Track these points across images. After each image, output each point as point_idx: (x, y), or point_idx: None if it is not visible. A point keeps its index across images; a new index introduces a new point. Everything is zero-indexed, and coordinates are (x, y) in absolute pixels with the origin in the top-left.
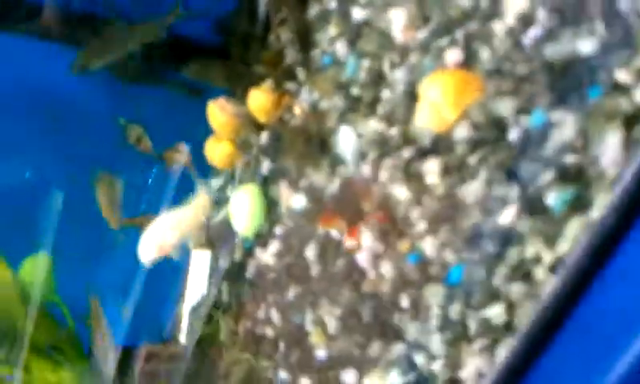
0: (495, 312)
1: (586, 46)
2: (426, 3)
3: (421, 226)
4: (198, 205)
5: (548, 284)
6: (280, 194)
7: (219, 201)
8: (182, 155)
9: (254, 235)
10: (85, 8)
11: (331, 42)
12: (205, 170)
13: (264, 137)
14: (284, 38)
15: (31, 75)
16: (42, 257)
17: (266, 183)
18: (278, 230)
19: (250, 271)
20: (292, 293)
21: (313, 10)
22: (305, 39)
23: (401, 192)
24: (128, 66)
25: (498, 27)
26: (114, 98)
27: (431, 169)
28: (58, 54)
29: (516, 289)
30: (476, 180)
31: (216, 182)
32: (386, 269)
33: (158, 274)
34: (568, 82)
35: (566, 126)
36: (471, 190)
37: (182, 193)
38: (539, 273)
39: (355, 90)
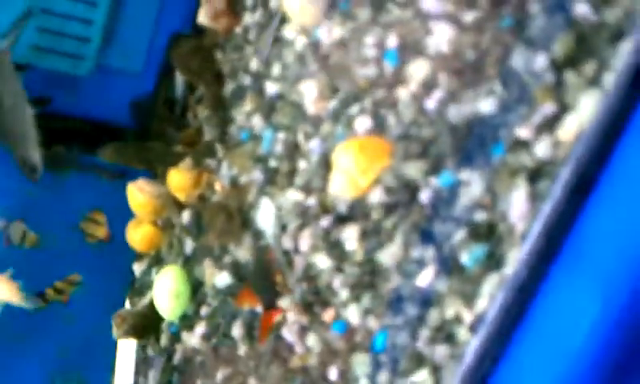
0: (421, 377)
1: (486, 105)
2: (335, 74)
3: (344, 294)
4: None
5: (470, 344)
6: (204, 273)
7: (144, 285)
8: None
9: (179, 318)
10: None
11: (247, 117)
12: (128, 254)
13: (185, 216)
14: (201, 116)
15: None
16: None
17: (190, 263)
18: (204, 310)
19: (177, 357)
20: (220, 375)
21: (228, 87)
22: (222, 116)
23: (322, 261)
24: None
25: (403, 93)
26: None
27: (349, 235)
28: None
29: (440, 351)
30: (393, 243)
31: (139, 267)
32: (313, 341)
33: None
34: (472, 141)
35: (473, 184)
36: (389, 254)
37: None
38: (461, 333)
39: (273, 163)
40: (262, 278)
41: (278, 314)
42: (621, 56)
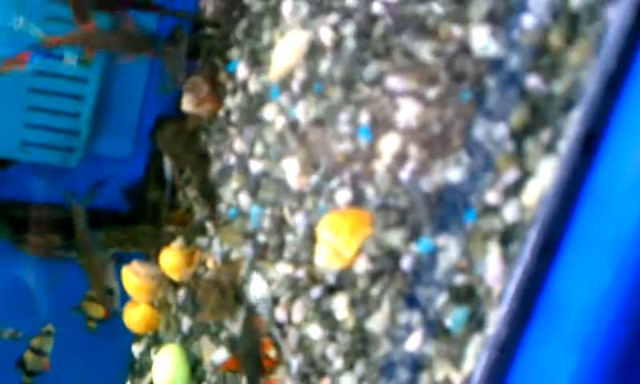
0: None
1: (455, 174)
2: (314, 151)
3: (338, 362)
4: None
5: None
6: (202, 350)
7: (144, 366)
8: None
9: None
10: None
11: (234, 194)
12: (126, 336)
13: (181, 294)
14: (191, 196)
15: None
16: None
17: (188, 341)
18: None
19: None
20: None
21: (215, 167)
22: (210, 195)
23: (315, 331)
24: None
25: (378, 166)
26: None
27: (339, 305)
28: None
29: None
30: (380, 310)
31: (137, 348)
32: None
33: None
34: (445, 208)
35: (450, 249)
36: (378, 321)
37: None
38: None
39: (262, 238)
40: (251, 356)
41: None
42: (572, 124)
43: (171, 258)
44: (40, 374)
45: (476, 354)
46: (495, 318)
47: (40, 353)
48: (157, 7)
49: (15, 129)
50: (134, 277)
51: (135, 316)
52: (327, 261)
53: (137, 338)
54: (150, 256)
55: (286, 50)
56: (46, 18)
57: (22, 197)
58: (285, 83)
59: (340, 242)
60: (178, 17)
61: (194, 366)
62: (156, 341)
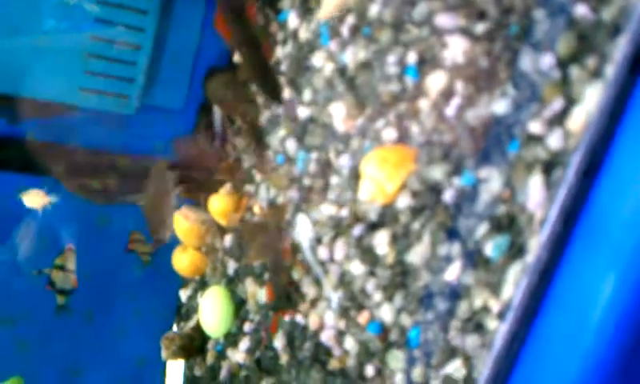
0: (454, 367)
1: (501, 107)
2: (361, 93)
3: (377, 296)
4: None
5: (499, 331)
6: (246, 291)
7: (190, 309)
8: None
9: (224, 337)
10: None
11: (282, 141)
12: (175, 279)
13: (227, 239)
14: (240, 146)
15: None
16: None
17: (233, 283)
18: (247, 327)
19: (223, 374)
20: None
21: (264, 117)
22: (259, 144)
23: (356, 267)
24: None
25: (424, 104)
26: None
27: (380, 240)
28: None
29: (470, 341)
30: (421, 244)
31: (185, 292)
32: (350, 343)
33: None
34: (489, 141)
35: (492, 180)
36: (417, 254)
37: None
38: (489, 321)
39: (307, 181)
40: (277, 272)
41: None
42: (619, 48)
43: (219, 203)
44: (72, 291)
45: (515, 281)
46: (536, 244)
47: (65, 269)
48: None
49: (75, 75)
50: (184, 221)
51: (184, 260)
52: (370, 196)
53: (184, 282)
54: (200, 203)
55: None
56: None
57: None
58: (334, 29)
59: (383, 176)
60: None
61: (239, 306)
62: (203, 285)
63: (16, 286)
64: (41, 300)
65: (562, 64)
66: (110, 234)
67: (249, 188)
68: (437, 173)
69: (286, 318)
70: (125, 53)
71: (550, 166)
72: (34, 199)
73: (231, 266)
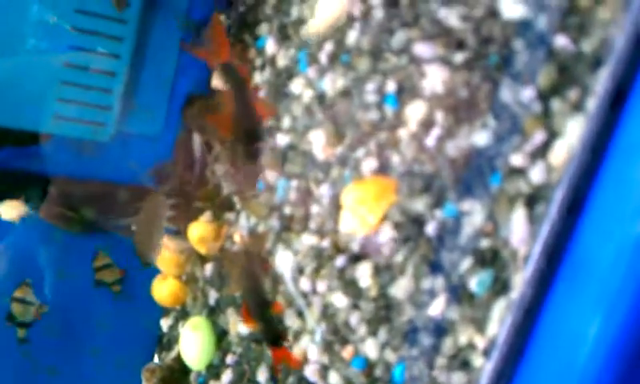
0: None
1: (481, 138)
2: (340, 121)
3: (361, 330)
4: None
5: (485, 369)
6: (228, 322)
7: (172, 339)
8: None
9: (206, 368)
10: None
11: (261, 175)
12: (154, 308)
13: (208, 268)
14: (219, 173)
15: None
16: None
17: (214, 313)
18: (230, 358)
19: None
20: None
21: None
22: (239, 171)
23: (339, 300)
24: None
25: (404, 134)
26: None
27: (363, 272)
28: None
29: (456, 379)
30: (404, 277)
31: (166, 322)
32: (334, 379)
33: None
34: (471, 173)
35: (475, 213)
36: (401, 287)
37: None
38: (475, 359)
39: (287, 210)
40: (252, 293)
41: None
42: (600, 81)
43: (199, 231)
44: (32, 324)
45: (500, 317)
46: (520, 281)
47: (25, 302)
48: None
49: (49, 103)
50: (163, 250)
51: (164, 290)
52: (351, 228)
53: (165, 311)
54: (180, 231)
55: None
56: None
57: (54, 171)
58: (312, 56)
59: (364, 208)
60: None
61: (221, 337)
62: (184, 315)
63: None
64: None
65: (543, 96)
66: (76, 260)
67: (229, 216)
68: (418, 204)
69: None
70: (100, 80)
71: (533, 199)
72: (11, 210)
73: (212, 295)
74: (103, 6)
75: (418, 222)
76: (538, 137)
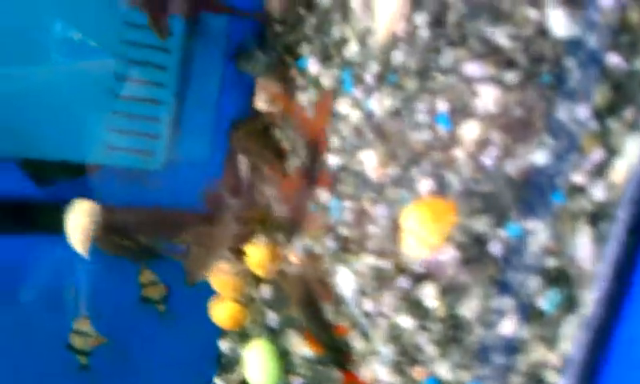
0: None
1: (540, 157)
2: (392, 141)
3: (430, 350)
4: None
5: None
6: (291, 344)
7: (232, 361)
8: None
9: None
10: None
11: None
12: (213, 331)
13: (265, 290)
14: (268, 194)
15: None
16: None
17: (276, 335)
18: (295, 381)
19: None
20: None
21: (292, 163)
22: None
23: (405, 321)
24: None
25: (459, 153)
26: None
27: (429, 293)
28: None
29: None
30: (472, 297)
31: (224, 344)
32: None
33: None
34: (531, 192)
35: (539, 232)
36: (470, 307)
37: None
38: (549, 376)
39: (343, 231)
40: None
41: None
42: None
43: (256, 255)
44: (91, 353)
45: (572, 335)
46: (589, 298)
47: (82, 333)
48: (227, 9)
49: (100, 134)
50: (220, 274)
51: (222, 312)
52: (414, 250)
53: (223, 333)
54: (233, 253)
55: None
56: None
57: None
58: (357, 76)
59: (426, 230)
60: (247, 17)
61: (284, 359)
62: (243, 336)
63: (36, 346)
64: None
65: (599, 114)
66: (123, 282)
67: (282, 237)
68: (480, 224)
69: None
70: (148, 109)
71: (596, 217)
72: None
73: (271, 317)
74: (148, 36)
75: (481, 241)
76: (596, 155)
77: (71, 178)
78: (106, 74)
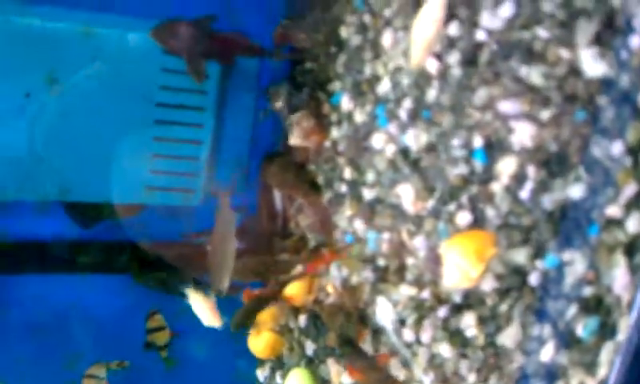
0: None
1: (576, 191)
2: (428, 175)
3: (471, 378)
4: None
5: None
6: (330, 373)
7: None
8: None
9: None
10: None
11: (349, 221)
12: (251, 362)
13: (302, 319)
14: (303, 225)
15: None
16: None
17: (314, 364)
18: None
19: None
20: None
21: (327, 196)
22: (325, 223)
23: (445, 350)
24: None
25: (496, 187)
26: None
27: (468, 322)
28: None
29: None
30: (511, 325)
31: (262, 372)
32: None
33: None
34: (568, 224)
35: (577, 263)
36: (509, 335)
37: None
38: None
39: (381, 262)
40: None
41: None
42: None
43: (293, 285)
44: None
45: (609, 361)
46: (626, 325)
47: (96, 377)
48: (260, 51)
49: (142, 175)
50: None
51: (260, 343)
52: (455, 282)
53: (260, 362)
54: (269, 283)
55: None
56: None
57: (146, 237)
58: (391, 112)
59: (466, 262)
60: (280, 58)
61: None
62: (280, 365)
63: None
64: None
65: (632, 150)
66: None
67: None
68: (519, 256)
69: None
70: (187, 149)
71: (632, 248)
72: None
73: (309, 346)
74: (185, 81)
75: (520, 272)
76: (631, 189)
77: (114, 217)
78: (146, 118)
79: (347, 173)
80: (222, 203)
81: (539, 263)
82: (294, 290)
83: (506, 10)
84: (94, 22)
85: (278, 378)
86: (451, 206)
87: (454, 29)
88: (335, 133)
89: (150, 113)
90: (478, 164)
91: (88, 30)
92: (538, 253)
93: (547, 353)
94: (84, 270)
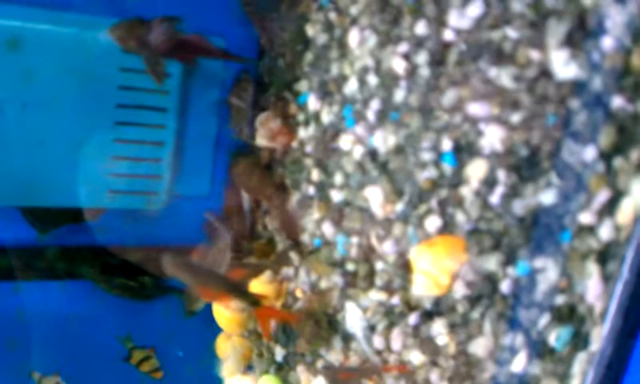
0: None
1: (547, 197)
2: (397, 179)
3: None
4: None
5: None
6: (299, 379)
7: None
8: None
9: None
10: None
11: (317, 224)
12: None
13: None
14: (271, 227)
15: None
16: None
17: (283, 370)
18: None
19: None
20: None
21: (294, 198)
22: (291, 227)
23: (416, 357)
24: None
25: (466, 191)
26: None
27: (439, 330)
28: None
29: None
30: (482, 334)
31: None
32: None
33: None
34: (540, 231)
35: (548, 271)
36: (480, 344)
37: None
38: None
39: (350, 266)
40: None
41: None
42: None
43: (260, 290)
44: None
45: (582, 371)
46: (599, 336)
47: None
48: (223, 53)
49: (102, 179)
50: (224, 310)
51: (227, 348)
52: (425, 289)
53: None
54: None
55: None
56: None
57: (108, 241)
58: (359, 113)
59: (436, 269)
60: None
61: None
62: (249, 370)
63: None
64: None
65: (605, 155)
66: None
67: (287, 271)
68: (490, 263)
69: None
70: (149, 151)
71: (604, 256)
72: None
73: (279, 352)
74: (146, 81)
75: (491, 279)
76: (603, 195)
77: (75, 222)
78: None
79: (315, 174)
80: (221, 245)
81: (510, 270)
82: (263, 295)
83: (475, 10)
84: (52, 21)
85: None
86: (421, 210)
87: (421, 28)
88: (303, 133)
89: (109, 114)
90: (447, 167)
91: (46, 27)
92: (509, 259)
93: (519, 362)
94: (42, 277)
